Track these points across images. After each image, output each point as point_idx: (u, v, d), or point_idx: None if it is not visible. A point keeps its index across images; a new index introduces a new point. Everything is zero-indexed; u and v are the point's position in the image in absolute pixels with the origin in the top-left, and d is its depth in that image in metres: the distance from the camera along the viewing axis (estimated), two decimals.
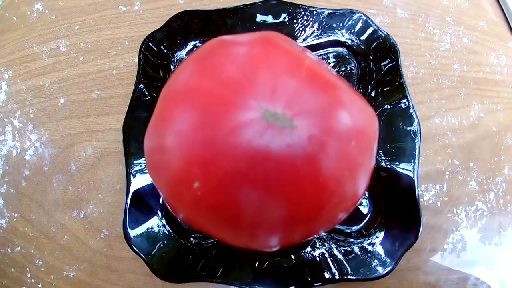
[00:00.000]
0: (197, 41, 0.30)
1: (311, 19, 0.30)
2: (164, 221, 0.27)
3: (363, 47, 0.30)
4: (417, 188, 0.26)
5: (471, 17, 0.34)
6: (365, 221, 0.27)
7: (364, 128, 0.18)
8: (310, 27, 0.30)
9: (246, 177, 0.15)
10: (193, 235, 0.27)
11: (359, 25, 0.29)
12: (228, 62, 0.17)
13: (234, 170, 0.15)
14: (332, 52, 0.30)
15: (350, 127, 0.17)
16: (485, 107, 0.32)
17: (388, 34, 0.29)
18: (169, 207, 0.20)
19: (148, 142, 0.19)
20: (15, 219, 0.30)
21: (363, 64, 0.30)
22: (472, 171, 0.30)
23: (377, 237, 0.26)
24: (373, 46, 0.29)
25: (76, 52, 0.32)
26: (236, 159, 0.15)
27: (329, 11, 0.30)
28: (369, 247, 0.26)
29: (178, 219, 0.27)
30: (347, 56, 0.30)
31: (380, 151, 0.28)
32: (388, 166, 0.28)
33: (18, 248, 0.29)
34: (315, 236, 0.27)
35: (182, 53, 0.30)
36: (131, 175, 0.27)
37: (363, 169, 0.18)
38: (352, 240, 0.27)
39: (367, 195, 0.28)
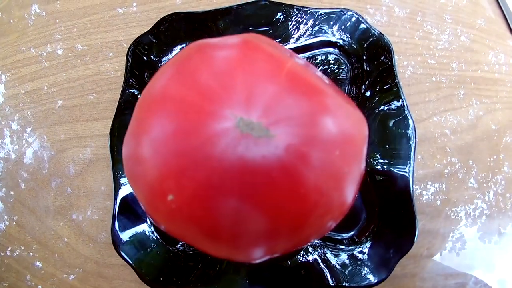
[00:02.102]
0: (185, 45, 0.29)
1: (303, 19, 0.29)
2: (152, 228, 0.26)
3: (355, 47, 0.28)
4: (413, 192, 0.25)
5: (469, 15, 0.32)
6: (357, 227, 0.26)
7: (350, 135, 0.16)
8: (303, 27, 0.29)
9: (220, 190, 0.14)
10: (180, 242, 0.26)
11: (351, 24, 0.28)
12: (204, 68, 0.16)
13: (207, 182, 0.14)
14: (323, 52, 0.29)
15: (334, 135, 0.15)
16: (484, 106, 0.30)
17: (381, 33, 0.27)
18: (150, 218, 0.19)
19: (125, 150, 0.18)
20: (14, 223, 0.29)
21: (355, 65, 0.28)
22: (472, 170, 0.29)
23: (370, 244, 0.25)
24: (366, 45, 0.28)
25: (65, 57, 0.31)
26: (209, 171, 0.14)
27: (322, 11, 0.28)
28: (360, 255, 0.24)
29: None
30: (338, 56, 0.29)
31: (376, 154, 0.27)
32: (383, 169, 0.26)
33: (17, 252, 0.29)
34: (308, 244, 0.25)
35: (169, 57, 0.29)
36: (118, 182, 0.26)
37: (349, 179, 0.16)
38: (343, 247, 0.25)
39: (360, 200, 0.26)
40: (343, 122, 0.16)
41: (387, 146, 0.27)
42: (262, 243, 0.17)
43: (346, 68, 0.29)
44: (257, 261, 0.19)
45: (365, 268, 0.24)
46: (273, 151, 0.14)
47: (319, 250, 0.26)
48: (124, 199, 0.26)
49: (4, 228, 0.29)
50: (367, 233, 0.25)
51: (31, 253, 0.29)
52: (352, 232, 0.25)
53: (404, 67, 0.30)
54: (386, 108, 0.27)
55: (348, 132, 0.16)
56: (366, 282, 0.23)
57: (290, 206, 0.15)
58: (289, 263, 0.26)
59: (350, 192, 0.17)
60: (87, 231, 0.28)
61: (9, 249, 0.29)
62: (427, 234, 0.27)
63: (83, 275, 0.28)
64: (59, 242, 0.28)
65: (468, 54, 0.31)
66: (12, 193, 0.29)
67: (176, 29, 0.28)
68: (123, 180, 0.26)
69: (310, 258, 0.26)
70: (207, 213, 0.15)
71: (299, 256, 0.26)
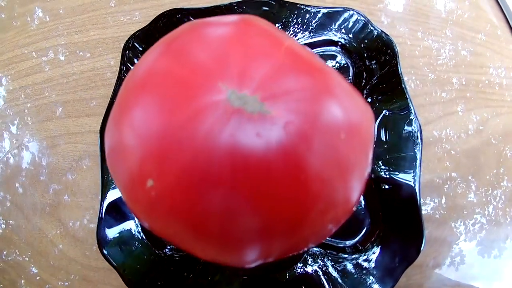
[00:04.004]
0: None
1: (305, 18, 0.27)
2: (140, 229, 0.23)
3: (357, 46, 0.26)
4: (419, 199, 0.22)
5: (473, 20, 0.30)
6: (361, 234, 0.23)
7: (357, 121, 0.14)
8: (304, 26, 0.27)
9: (206, 174, 0.11)
10: (168, 246, 0.23)
11: (353, 23, 0.26)
12: (195, 43, 0.14)
13: (191, 166, 0.11)
14: (325, 51, 0.27)
15: (339, 117, 0.13)
16: (487, 115, 0.28)
17: (384, 32, 0.25)
18: (132, 212, 0.16)
19: (107, 137, 0.15)
20: (10, 226, 0.26)
21: (358, 64, 0.26)
22: (471, 184, 0.26)
23: (374, 252, 0.22)
24: (368, 44, 0.25)
25: (62, 53, 0.29)
26: (194, 152, 0.11)
27: (324, 10, 0.26)
28: (365, 264, 0.21)
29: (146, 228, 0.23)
30: (341, 55, 0.27)
31: (379, 161, 0.24)
32: (388, 176, 0.23)
33: (13, 256, 0.26)
34: (304, 250, 0.22)
35: None
36: (107, 180, 0.23)
37: (356, 169, 0.14)
38: (346, 256, 0.22)
39: (363, 204, 0.24)
40: (348, 104, 0.13)
41: (392, 152, 0.24)
42: (255, 241, 0.14)
43: (349, 69, 0.26)
44: (249, 266, 0.16)
45: (370, 277, 0.21)
46: (270, 129, 0.11)
47: (319, 261, 0.23)
48: (112, 199, 0.23)
49: (5, 230, 0.26)
50: (372, 239, 0.22)
51: (26, 258, 0.26)
52: (356, 239, 0.22)
53: (405, 76, 0.28)
54: (390, 112, 0.25)
55: (354, 116, 0.14)
56: None
57: (289, 196, 0.12)
58: (287, 275, 0.23)
59: (355, 187, 0.14)
60: (73, 232, 0.25)
61: (10, 250, 0.26)
62: (434, 242, 0.24)
63: (67, 278, 0.25)
64: (44, 241, 0.26)
65: (472, 58, 0.29)
66: (9, 197, 0.27)
67: (174, 26, 0.26)
68: (111, 179, 0.23)
69: (310, 269, 0.23)
70: (191, 203, 0.12)
71: (297, 268, 0.23)
